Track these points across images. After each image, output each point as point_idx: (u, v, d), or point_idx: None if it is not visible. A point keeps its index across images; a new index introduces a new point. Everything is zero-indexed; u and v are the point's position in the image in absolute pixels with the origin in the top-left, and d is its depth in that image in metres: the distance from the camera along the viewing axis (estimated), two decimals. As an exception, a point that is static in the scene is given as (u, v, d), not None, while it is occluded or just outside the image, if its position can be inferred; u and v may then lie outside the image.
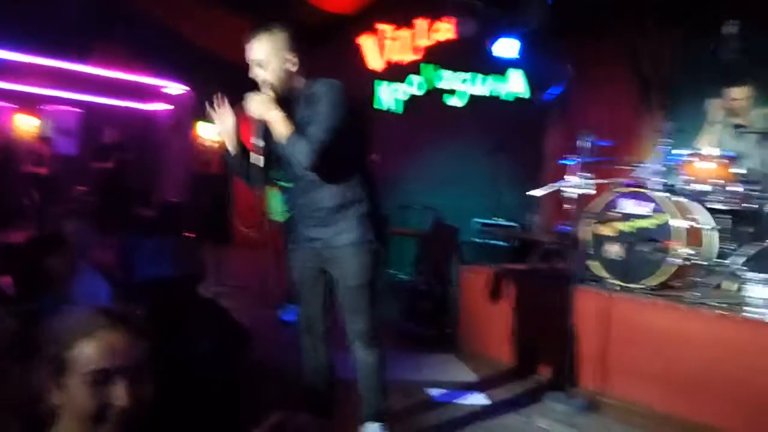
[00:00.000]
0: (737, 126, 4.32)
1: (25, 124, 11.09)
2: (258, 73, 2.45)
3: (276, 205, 4.96)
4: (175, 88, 10.97)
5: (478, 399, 3.57)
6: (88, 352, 1.28)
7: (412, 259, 7.15)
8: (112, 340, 1.30)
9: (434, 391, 3.63)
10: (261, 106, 2.40)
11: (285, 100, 2.46)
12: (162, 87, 11.15)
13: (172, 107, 11.56)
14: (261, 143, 2.46)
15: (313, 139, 2.32)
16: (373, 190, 2.58)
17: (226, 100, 2.55)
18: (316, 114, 2.38)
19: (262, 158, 2.47)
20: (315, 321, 2.69)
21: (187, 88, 10.51)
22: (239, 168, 2.58)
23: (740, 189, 3.89)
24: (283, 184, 4.74)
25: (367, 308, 2.55)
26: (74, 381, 1.27)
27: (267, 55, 2.42)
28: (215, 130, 2.63)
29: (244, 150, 2.58)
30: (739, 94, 4.17)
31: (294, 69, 2.46)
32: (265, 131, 2.47)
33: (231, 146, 2.57)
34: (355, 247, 2.48)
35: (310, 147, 2.31)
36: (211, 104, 2.56)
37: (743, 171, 3.96)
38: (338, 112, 2.37)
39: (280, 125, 2.38)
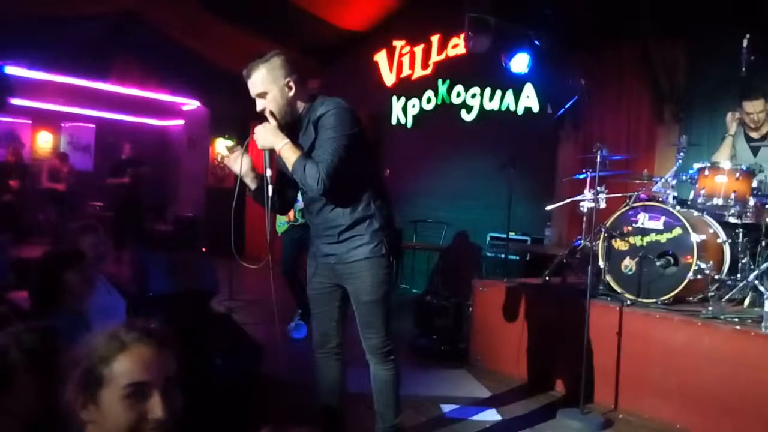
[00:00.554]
0: (753, 139, 4.30)
1: (43, 141, 11.28)
2: (260, 104, 2.45)
3: (279, 218, 4.98)
4: (190, 104, 11.11)
5: (491, 415, 3.54)
6: (125, 366, 1.29)
7: (425, 274, 7.15)
8: (146, 353, 1.31)
9: (447, 407, 3.61)
10: (267, 136, 2.41)
11: (290, 125, 2.47)
12: (177, 104, 11.29)
13: (187, 123, 11.69)
14: (269, 173, 2.47)
15: (323, 163, 2.32)
16: (386, 205, 2.59)
17: (238, 147, 2.60)
18: (322, 137, 2.39)
19: (271, 187, 2.48)
20: (328, 336, 2.69)
21: (202, 105, 10.63)
22: (262, 199, 2.58)
23: (755, 202, 3.86)
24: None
25: (380, 323, 2.55)
26: (110, 395, 1.28)
27: (265, 84, 2.42)
28: (234, 169, 2.61)
29: (263, 182, 2.60)
30: (753, 107, 4.15)
31: (292, 93, 2.45)
32: (272, 161, 2.47)
33: (251, 183, 2.58)
34: (369, 261, 2.49)
35: (319, 172, 2.32)
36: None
37: (757, 184, 3.94)
38: (345, 132, 2.38)
39: (287, 152, 2.38)
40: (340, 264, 2.55)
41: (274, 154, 2.45)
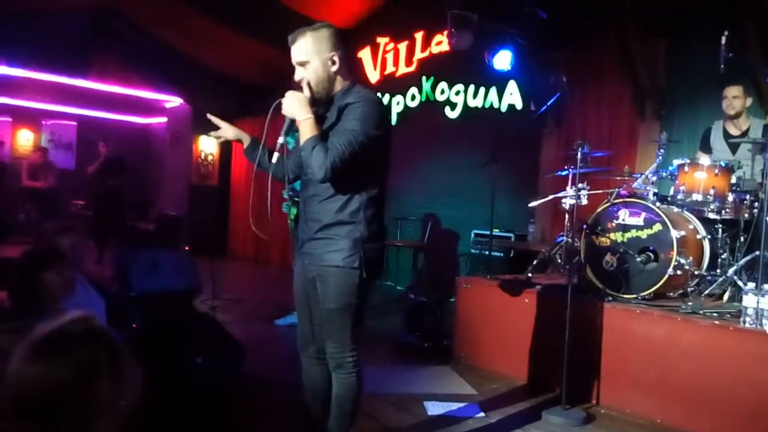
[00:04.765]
0: (732, 135, 4.35)
1: (23, 139, 11.14)
2: (299, 72, 2.38)
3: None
4: (173, 101, 11.02)
5: (473, 412, 3.55)
6: None
7: (409, 271, 7.16)
8: None
9: (430, 404, 3.61)
10: (294, 105, 2.31)
11: (322, 102, 2.40)
12: (160, 101, 11.20)
13: (169, 121, 11.60)
14: (281, 140, 2.39)
15: (333, 151, 2.21)
16: (378, 217, 2.45)
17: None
18: (343, 125, 2.28)
19: (277, 155, 2.42)
20: (308, 340, 2.59)
21: (185, 102, 10.55)
22: (252, 156, 2.57)
23: (734, 198, 3.91)
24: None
25: (337, 333, 2.42)
26: None
27: (308, 53, 2.35)
28: (218, 134, 2.65)
29: (255, 142, 2.59)
30: (729, 92, 4.27)
31: (334, 69, 2.38)
32: (291, 130, 2.41)
33: (244, 141, 2.60)
34: (339, 270, 2.36)
35: (327, 159, 2.21)
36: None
37: (736, 180, 3.99)
38: (367, 129, 2.27)
39: (305, 127, 2.29)
40: (312, 265, 2.44)
41: (294, 124, 2.36)
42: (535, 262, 4.80)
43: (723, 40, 3.77)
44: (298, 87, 2.40)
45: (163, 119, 11.76)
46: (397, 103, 7.84)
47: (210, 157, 10.79)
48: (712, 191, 3.88)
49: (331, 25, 2.41)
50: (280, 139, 2.40)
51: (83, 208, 9.71)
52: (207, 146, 10.71)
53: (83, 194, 9.83)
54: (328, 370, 2.57)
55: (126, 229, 8.94)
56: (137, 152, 11.22)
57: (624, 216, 3.98)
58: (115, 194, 8.74)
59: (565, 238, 4.60)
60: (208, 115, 2.63)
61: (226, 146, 10.59)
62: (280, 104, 2.35)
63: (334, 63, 2.38)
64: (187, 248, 6.05)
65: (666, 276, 3.73)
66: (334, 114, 2.35)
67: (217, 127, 2.64)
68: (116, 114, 11.51)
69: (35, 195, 9.15)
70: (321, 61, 2.35)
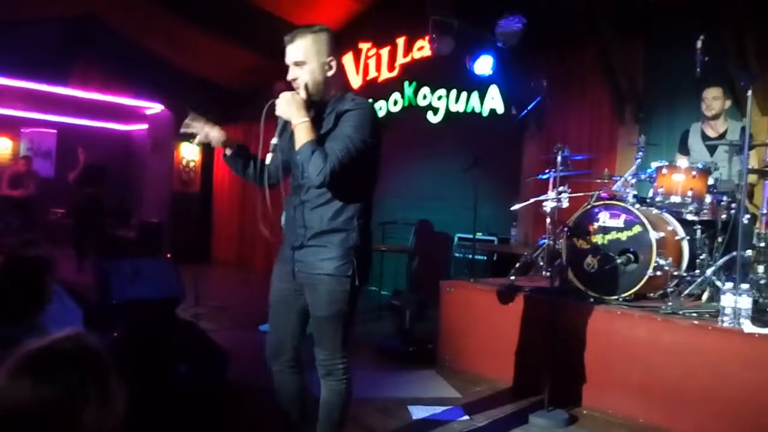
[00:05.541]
0: (709, 138, 4.42)
1: (2, 147, 11.00)
2: (294, 73, 2.33)
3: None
4: (154, 108, 10.95)
5: (458, 415, 3.56)
6: None
7: (393, 276, 7.17)
8: None
9: (414, 409, 3.62)
10: (290, 106, 2.28)
11: (315, 106, 2.37)
12: (141, 107, 11.12)
13: (151, 127, 11.52)
14: (275, 141, 2.36)
15: (332, 156, 2.19)
16: (368, 225, 2.44)
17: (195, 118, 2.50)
18: (341, 131, 2.27)
19: (271, 155, 2.36)
20: (283, 347, 2.52)
21: (166, 108, 10.49)
22: (234, 165, 2.54)
23: (711, 199, 3.97)
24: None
25: (327, 341, 2.41)
26: None
27: (306, 54, 2.31)
28: (200, 140, 2.51)
29: (240, 149, 2.54)
30: (708, 93, 4.33)
31: (330, 74, 2.35)
32: (284, 132, 2.39)
33: (228, 149, 2.52)
34: (331, 278, 2.33)
35: (327, 164, 2.18)
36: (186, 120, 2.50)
37: (713, 182, 4.05)
38: (363, 137, 2.27)
39: (302, 131, 2.25)
40: (302, 273, 2.40)
41: (288, 126, 2.34)
42: (517, 265, 4.83)
43: (698, 44, 3.84)
44: (289, 90, 2.35)
45: (144, 126, 11.68)
46: (380, 109, 7.84)
47: (192, 164, 10.73)
48: (690, 193, 3.93)
49: (330, 30, 2.38)
50: (274, 140, 2.37)
51: (63, 216, 9.60)
52: (189, 152, 10.65)
53: (63, 202, 9.72)
54: (301, 377, 2.55)
55: (107, 237, 8.85)
56: (118, 159, 11.14)
57: (604, 218, 4.02)
58: (95, 202, 8.64)
59: (546, 240, 4.63)
60: (182, 129, 2.50)
61: (208, 152, 10.55)
62: (273, 105, 2.32)
63: (330, 68, 2.35)
64: (169, 255, 6.01)
65: (646, 277, 3.77)
66: (331, 120, 2.33)
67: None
68: (97, 121, 11.41)
69: (13, 204, 9.03)
70: (319, 63, 2.32)
